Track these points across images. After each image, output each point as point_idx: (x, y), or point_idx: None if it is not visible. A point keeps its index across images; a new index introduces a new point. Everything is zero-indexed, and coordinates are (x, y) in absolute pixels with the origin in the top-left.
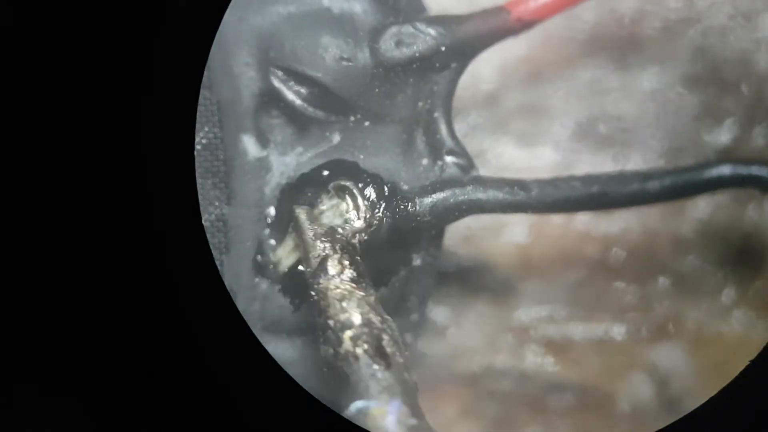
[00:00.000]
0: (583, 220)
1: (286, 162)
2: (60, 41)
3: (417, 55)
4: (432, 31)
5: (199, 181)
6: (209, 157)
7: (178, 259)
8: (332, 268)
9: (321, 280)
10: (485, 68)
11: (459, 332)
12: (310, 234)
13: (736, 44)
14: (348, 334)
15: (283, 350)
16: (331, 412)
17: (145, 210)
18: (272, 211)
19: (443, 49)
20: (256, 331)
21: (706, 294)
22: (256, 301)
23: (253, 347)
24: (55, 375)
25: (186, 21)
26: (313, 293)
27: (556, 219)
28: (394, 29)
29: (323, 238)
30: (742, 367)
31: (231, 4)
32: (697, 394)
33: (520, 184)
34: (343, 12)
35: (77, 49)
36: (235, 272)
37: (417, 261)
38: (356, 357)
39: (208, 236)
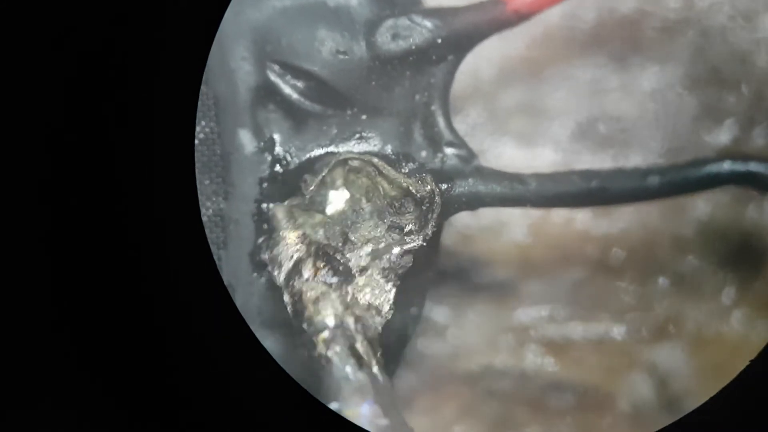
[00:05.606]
0: (583, 219)
1: (283, 156)
2: (60, 37)
3: (413, 47)
4: (428, 24)
5: (196, 176)
6: (206, 151)
7: (177, 254)
8: (306, 270)
9: (296, 283)
10: (485, 68)
11: (459, 332)
12: (289, 234)
13: (736, 44)
14: (321, 336)
15: (281, 346)
16: (328, 408)
17: (143, 205)
18: (270, 205)
19: (439, 41)
20: (254, 327)
21: (706, 294)
22: (254, 296)
23: (251, 343)
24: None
25: (186, 18)
26: (287, 296)
27: (556, 219)
28: (390, 22)
29: (297, 240)
30: (742, 367)
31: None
32: (697, 394)
33: (519, 178)
34: (338, 5)
35: (77, 46)
36: (233, 267)
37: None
38: (329, 359)
39: (207, 231)
